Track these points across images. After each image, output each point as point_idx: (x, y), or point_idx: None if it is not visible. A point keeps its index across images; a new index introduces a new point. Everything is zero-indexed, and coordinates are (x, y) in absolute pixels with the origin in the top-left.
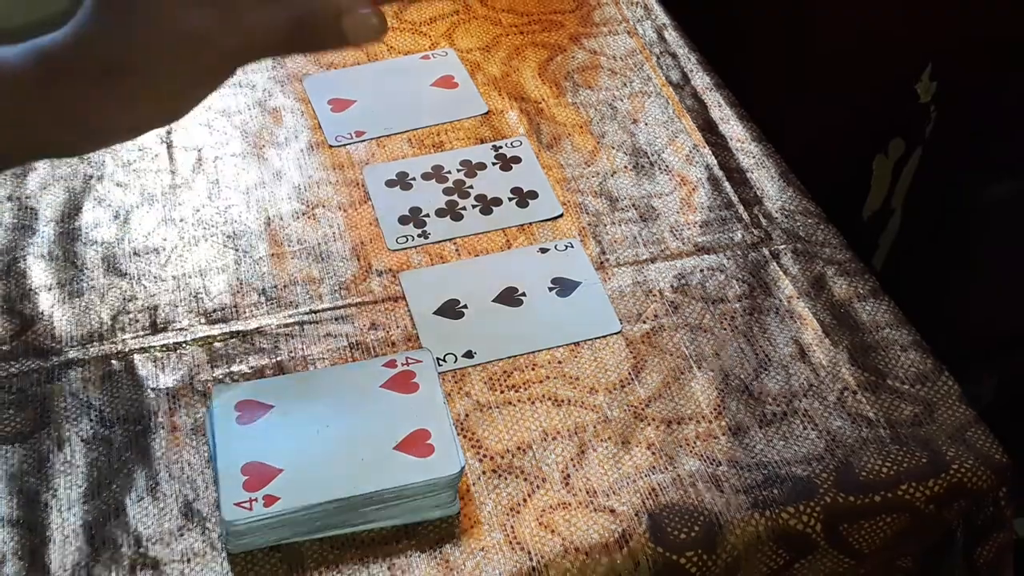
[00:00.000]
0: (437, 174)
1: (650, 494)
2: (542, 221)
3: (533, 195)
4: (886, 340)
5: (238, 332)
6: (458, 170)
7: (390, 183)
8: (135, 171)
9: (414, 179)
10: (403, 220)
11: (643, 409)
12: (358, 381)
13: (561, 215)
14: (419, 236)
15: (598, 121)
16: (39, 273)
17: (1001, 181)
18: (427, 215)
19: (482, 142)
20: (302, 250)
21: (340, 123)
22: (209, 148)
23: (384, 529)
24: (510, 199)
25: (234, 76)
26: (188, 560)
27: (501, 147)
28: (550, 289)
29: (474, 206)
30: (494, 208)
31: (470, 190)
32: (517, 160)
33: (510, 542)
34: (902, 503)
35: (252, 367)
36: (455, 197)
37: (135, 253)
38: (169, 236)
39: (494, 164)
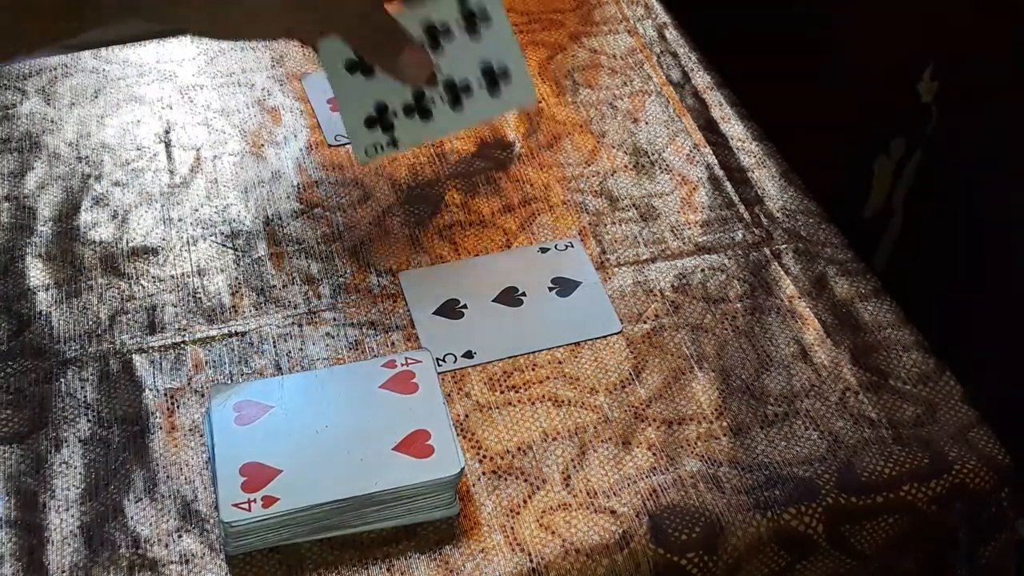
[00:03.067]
0: None
1: (651, 495)
2: (515, 112)
3: (505, 76)
4: (888, 340)
5: (237, 332)
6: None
7: (350, 66)
8: (133, 170)
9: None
10: (369, 123)
11: (644, 409)
12: (357, 381)
13: (535, 101)
14: (388, 145)
15: (598, 120)
16: (37, 273)
17: (1003, 181)
18: (394, 112)
19: (482, 141)
20: (301, 250)
21: (339, 122)
22: (208, 147)
23: (384, 530)
24: (480, 84)
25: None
26: (186, 561)
27: (468, 2)
28: (550, 289)
29: (443, 98)
30: (464, 98)
31: (436, 73)
32: (486, 19)
33: (510, 543)
34: (904, 504)
35: (251, 367)
36: (420, 88)
37: (133, 253)
38: (167, 236)
39: (460, 26)
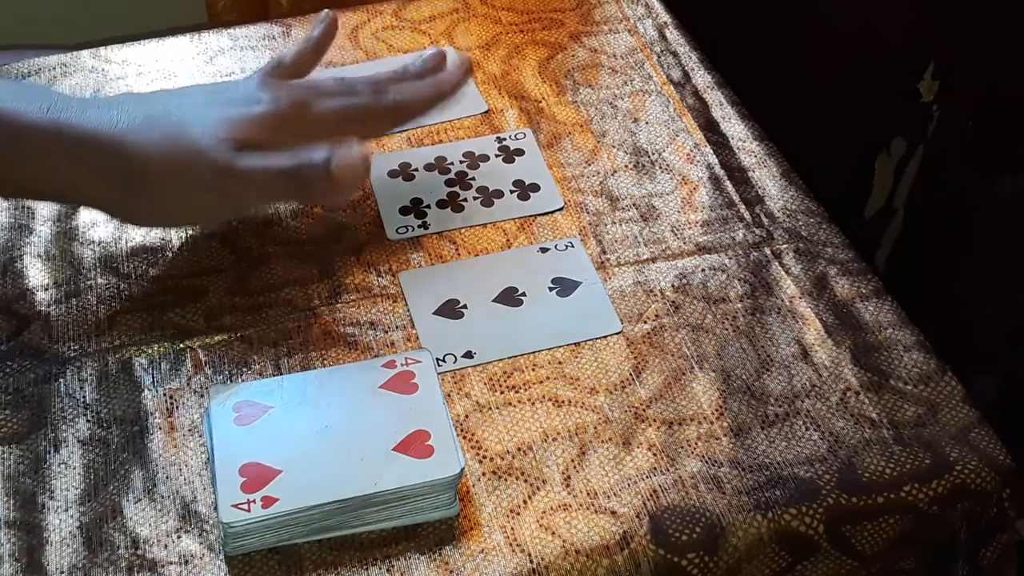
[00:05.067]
0: (440, 165)
1: (651, 495)
2: (543, 215)
3: (535, 188)
4: (889, 340)
5: (236, 332)
6: (461, 161)
7: (392, 173)
8: None
9: (416, 170)
10: (404, 211)
11: (644, 410)
12: (357, 382)
13: (562, 208)
14: (419, 227)
15: (598, 120)
16: (36, 273)
17: (1005, 180)
18: (428, 206)
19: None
20: (301, 250)
21: None
22: None
23: (383, 530)
24: (512, 191)
25: (232, 75)
26: (186, 562)
27: (505, 139)
28: (550, 289)
29: (475, 198)
30: (495, 200)
31: (472, 182)
32: (520, 152)
33: (510, 544)
34: (905, 504)
35: (251, 368)
36: (457, 188)
37: (132, 253)
38: (167, 235)
39: (497, 156)
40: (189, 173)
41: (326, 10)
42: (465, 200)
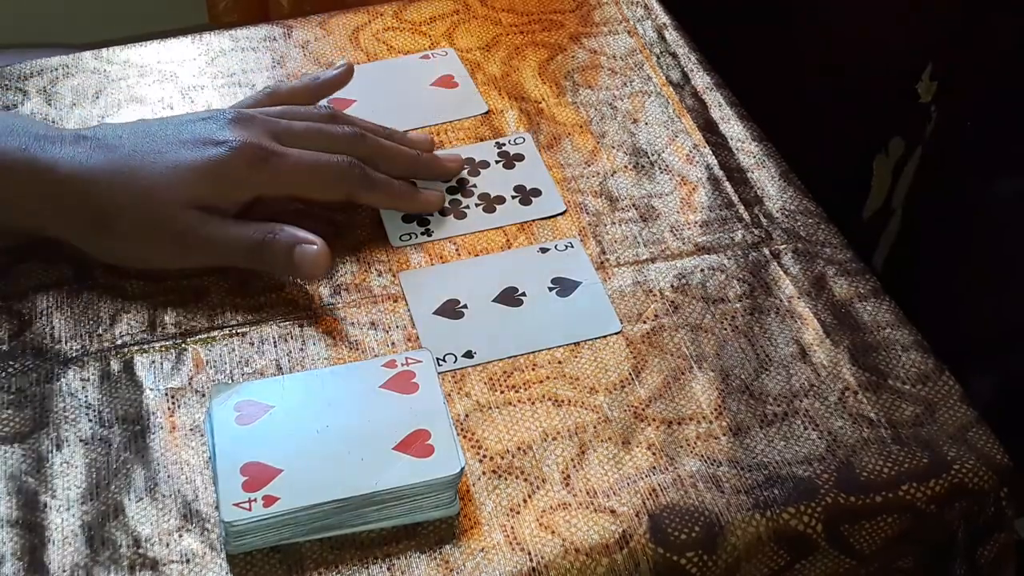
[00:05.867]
0: None
1: (650, 495)
2: (545, 219)
3: (536, 192)
4: (887, 340)
5: (238, 332)
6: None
7: None
8: None
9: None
10: (407, 219)
11: (643, 409)
12: (358, 381)
13: (564, 212)
14: (422, 234)
15: (598, 121)
16: (38, 273)
17: (1003, 180)
18: (430, 214)
19: (482, 141)
20: None
21: None
22: None
23: (384, 530)
24: (513, 197)
25: (233, 76)
26: (187, 561)
27: (504, 144)
28: (550, 289)
29: (477, 204)
30: (497, 207)
31: (473, 188)
32: (520, 158)
33: (510, 543)
34: (903, 503)
35: (252, 367)
36: (458, 196)
37: None
38: None
39: (497, 162)
40: (153, 230)
41: (345, 61)
42: (467, 207)
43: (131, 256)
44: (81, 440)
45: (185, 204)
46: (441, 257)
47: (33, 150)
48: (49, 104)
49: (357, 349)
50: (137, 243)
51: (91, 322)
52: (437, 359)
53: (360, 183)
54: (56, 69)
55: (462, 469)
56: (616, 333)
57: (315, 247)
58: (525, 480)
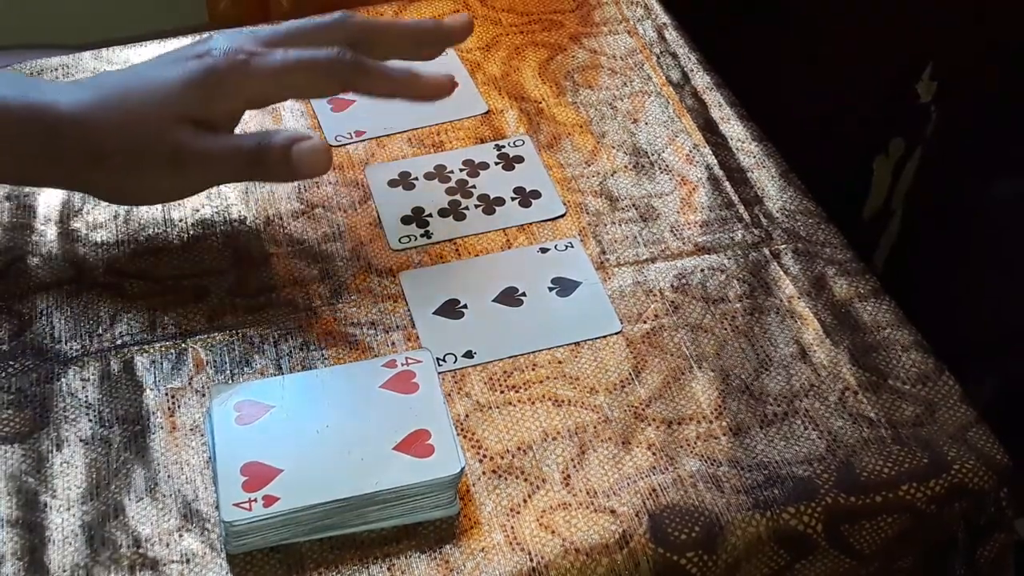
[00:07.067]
0: (440, 174)
1: (650, 494)
2: (544, 221)
3: (536, 195)
4: (887, 340)
5: (238, 332)
6: (460, 169)
7: (392, 183)
8: None
9: (416, 179)
10: (406, 220)
11: (643, 409)
12: (358, 381)
13: (564, 214)
14: (422, 236)
15: (598, 121)
16: (38, 272)
17: (1003, 181)
18: (430, 215)
19: (482, 142)
20: (301, 250)
21: (340, 122)
22: None
23: (384, 529)
24: (512, 199)
25: None
26: (187, 560)
27: (504, 146)
28: (550, 289)
29: (477, 206)
30: (497, 208)
31: (472, 190)
32: (520, 160)
33: (510, 543)
34: (903, 503)
35: (252, 367)
36: (458, 197)
37: (134, 253)
38: (168, 236)
39: (497, 164)
40: (147, 150)
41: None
42: (467, 208)
43: (130, 189)
44: (81, 440)
45: (176, 118)
46: (441, 257)
47: (32, 95)
48: None
49: (357, 349)
50: (135, 172)
51: (91, 322)
52: (437, 359)
53: (353, 71)
54: (56, 69)
55: (462, 469)
56: (616, 333)
57: (311, 140)
58: (525, 480)
